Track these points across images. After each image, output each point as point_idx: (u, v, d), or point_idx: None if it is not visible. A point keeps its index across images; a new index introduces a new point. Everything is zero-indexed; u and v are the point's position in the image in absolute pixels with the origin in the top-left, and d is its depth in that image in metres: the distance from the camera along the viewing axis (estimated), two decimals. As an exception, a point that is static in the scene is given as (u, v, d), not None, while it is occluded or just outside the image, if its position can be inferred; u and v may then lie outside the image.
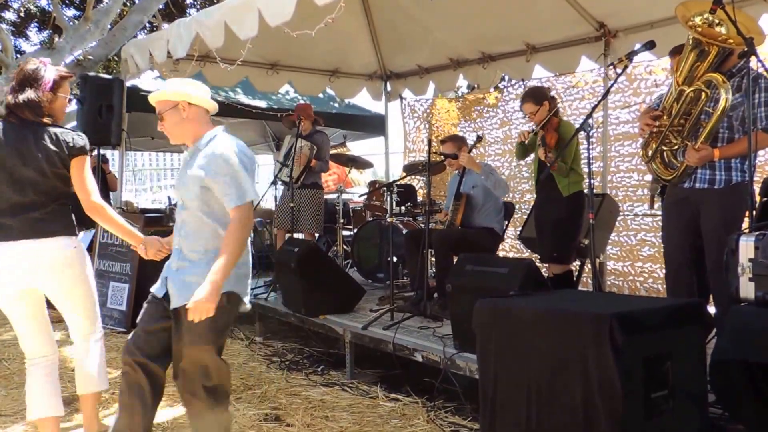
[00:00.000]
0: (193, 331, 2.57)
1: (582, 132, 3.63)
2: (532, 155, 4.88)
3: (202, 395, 2.67)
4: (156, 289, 2.81)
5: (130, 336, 2.83)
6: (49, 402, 3.08)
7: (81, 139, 3.06)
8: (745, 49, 3.06)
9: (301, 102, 8.15)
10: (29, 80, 3.00)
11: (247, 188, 2.58)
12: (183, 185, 2.71)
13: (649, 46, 3.66)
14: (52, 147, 2.97)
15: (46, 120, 3.02)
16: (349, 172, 8.44)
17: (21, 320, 3.09)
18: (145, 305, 2.83)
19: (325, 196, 8.58)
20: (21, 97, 2.97)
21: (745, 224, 3.27)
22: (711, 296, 3.72)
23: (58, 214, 3.04)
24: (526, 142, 4.62)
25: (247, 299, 2.77)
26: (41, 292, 3.11)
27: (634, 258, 6.39)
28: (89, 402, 3.25)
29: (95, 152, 6.36)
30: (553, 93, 5.65)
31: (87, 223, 6.25)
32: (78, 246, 3.13)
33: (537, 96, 4.60)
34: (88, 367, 3.20)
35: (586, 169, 4.38)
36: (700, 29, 3.20)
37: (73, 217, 3.15)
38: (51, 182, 3.00)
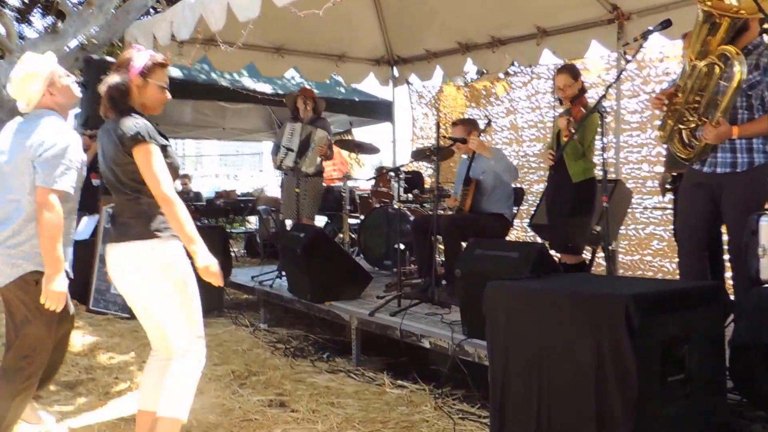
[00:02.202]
0: None
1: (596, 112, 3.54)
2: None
3: None
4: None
5: None
6: (149, 395, 2.81)
7: (134, 128, 2.68)
8: (765, 26, 2.98)
9: (305, 86, 8.04)
10: (120, 66, 2.75)
11: None
12: None
13: (665, 24, 3.53)
14: (114, 140, 2.71)
15: (135, 108, 2.76)
16: (352, 167, 8.37)
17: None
18: None
19: (332, 184, 8.49)
20: (108, 81, 2.68)
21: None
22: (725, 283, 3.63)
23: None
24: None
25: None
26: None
27: (643, 252, 6.28)
28: (148, 425, 2.78)
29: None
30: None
31: (91, 208, 6.23)
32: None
33: (574, 71, 4.57)
34: (165, 389, 2.69)
35: (596, 160, 4.30)
36: (710, 2, 3.09)
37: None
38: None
